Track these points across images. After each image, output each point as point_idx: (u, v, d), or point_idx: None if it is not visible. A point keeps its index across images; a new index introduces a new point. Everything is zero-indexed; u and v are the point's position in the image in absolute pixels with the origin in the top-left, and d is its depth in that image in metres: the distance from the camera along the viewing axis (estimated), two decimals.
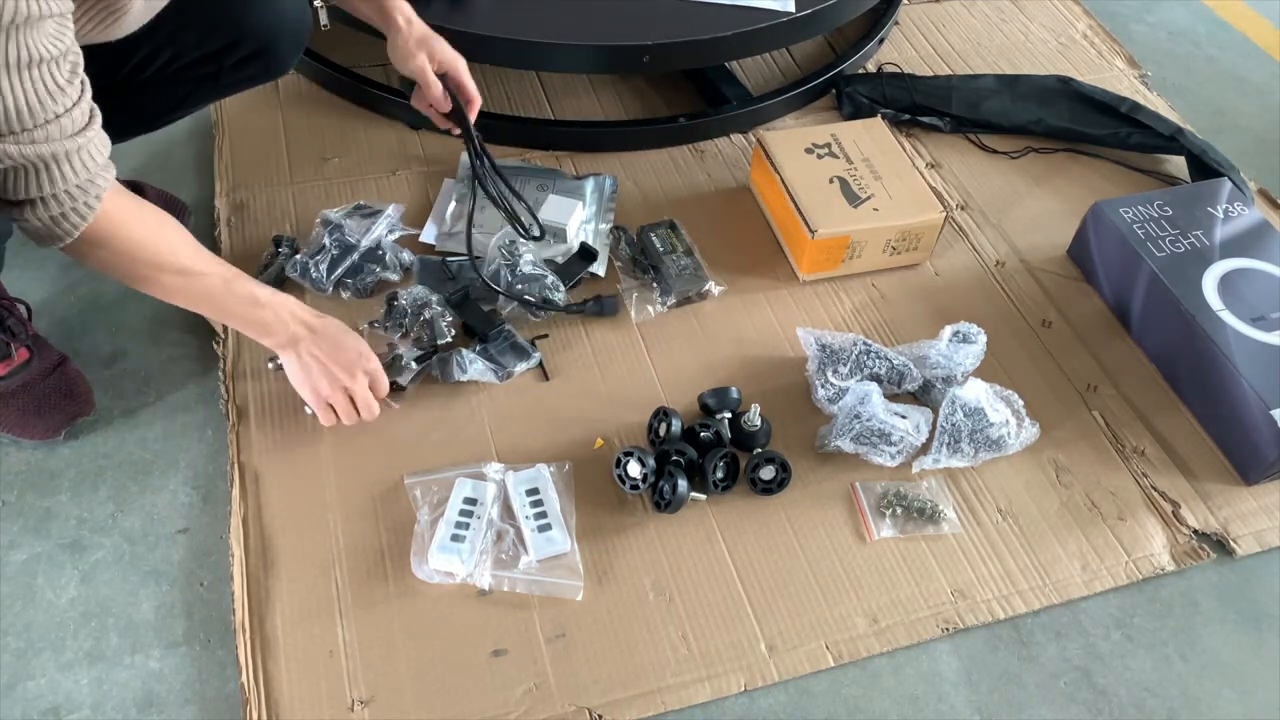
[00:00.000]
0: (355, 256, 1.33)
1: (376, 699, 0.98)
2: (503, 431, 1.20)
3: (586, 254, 1.35)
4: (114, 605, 1.06)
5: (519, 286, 1.29)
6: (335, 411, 1.13)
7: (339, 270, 1.32)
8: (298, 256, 1.32)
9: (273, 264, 1.33)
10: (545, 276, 1.30)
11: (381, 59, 1.68)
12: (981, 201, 1.56)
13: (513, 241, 1.32)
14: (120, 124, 1.24)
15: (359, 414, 1.14)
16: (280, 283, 1.32)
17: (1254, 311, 1.28)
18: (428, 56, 1.25)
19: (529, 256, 1.31)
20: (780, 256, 1.44)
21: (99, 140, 0.90)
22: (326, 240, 1.33)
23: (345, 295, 1.32)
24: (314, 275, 1.31)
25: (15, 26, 0.77)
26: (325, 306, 1.27)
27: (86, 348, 1.27)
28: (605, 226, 1.43)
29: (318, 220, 1.36)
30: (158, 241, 1.00)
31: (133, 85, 1.14)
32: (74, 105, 0.86)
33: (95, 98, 0.90)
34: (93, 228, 0.93)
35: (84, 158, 0.88)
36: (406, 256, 1.36)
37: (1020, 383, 1.29)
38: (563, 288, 1.30)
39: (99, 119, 0.90)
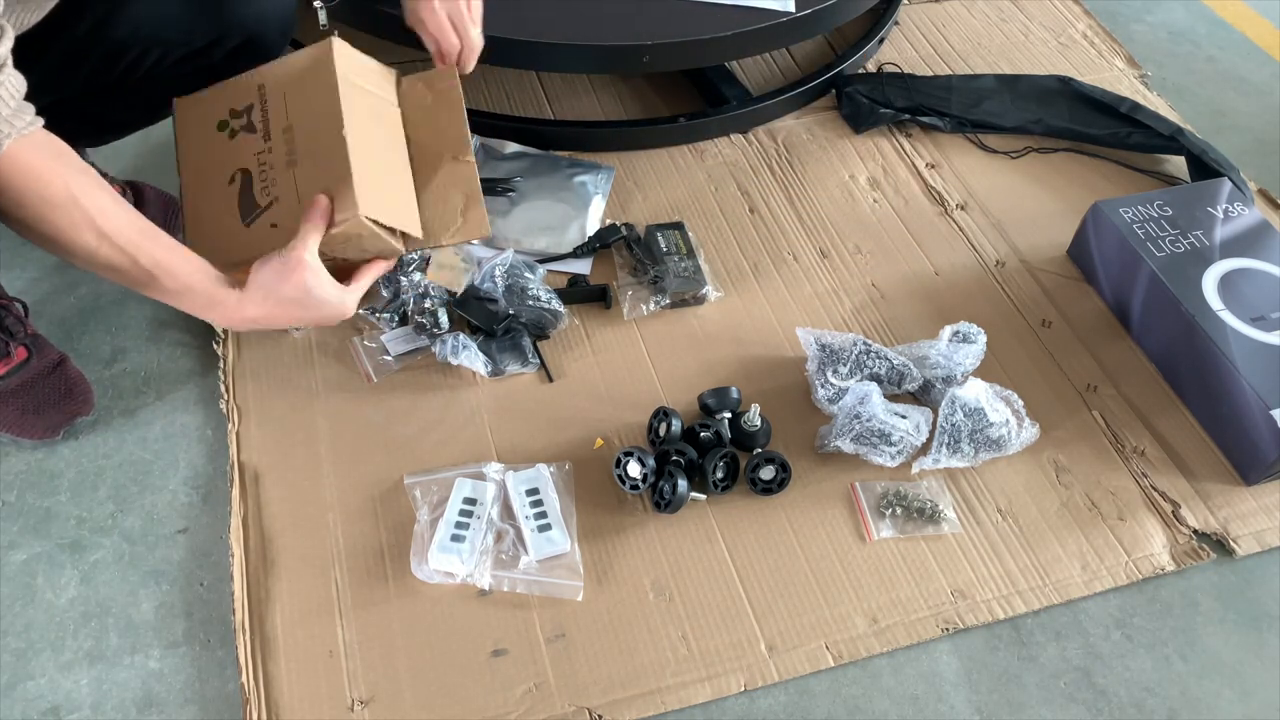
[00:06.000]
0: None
1: (376, 699, 0.98)
2: (502, 431, 1.20)
3: (600, 292, 1.35)
4: (114, 605, 1.06)
5: (526, 305, 1.29)
6: None
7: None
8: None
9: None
10: (547, 306, 1.29)
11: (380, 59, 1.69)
12: (981, 201, 1.56)
13: (514, 266, 1.32)
14: (120, 120, 1.24)
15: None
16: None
17: (1254, 311, 1.28)
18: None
19: (536, 278, 1.32)
20: (782, 256, 1.44)
21: (12, 83, 0.83)
22: None
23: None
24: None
25: None
26: None
27: (86, 348, 1.27)
28: (594, 225, 1.44)
29: None
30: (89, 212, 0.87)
31: (128, 85, 1.14)
32: None
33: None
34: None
35: None
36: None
37: (1020, 383, 1.29)
38: (562, 315, 1.30)
39: (9, 64, 0.83)
